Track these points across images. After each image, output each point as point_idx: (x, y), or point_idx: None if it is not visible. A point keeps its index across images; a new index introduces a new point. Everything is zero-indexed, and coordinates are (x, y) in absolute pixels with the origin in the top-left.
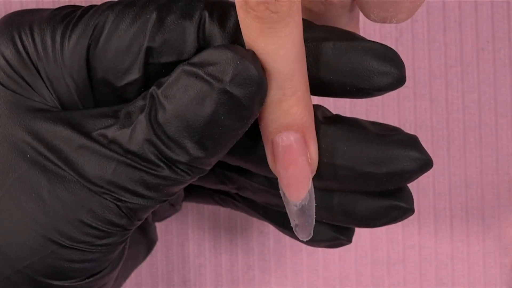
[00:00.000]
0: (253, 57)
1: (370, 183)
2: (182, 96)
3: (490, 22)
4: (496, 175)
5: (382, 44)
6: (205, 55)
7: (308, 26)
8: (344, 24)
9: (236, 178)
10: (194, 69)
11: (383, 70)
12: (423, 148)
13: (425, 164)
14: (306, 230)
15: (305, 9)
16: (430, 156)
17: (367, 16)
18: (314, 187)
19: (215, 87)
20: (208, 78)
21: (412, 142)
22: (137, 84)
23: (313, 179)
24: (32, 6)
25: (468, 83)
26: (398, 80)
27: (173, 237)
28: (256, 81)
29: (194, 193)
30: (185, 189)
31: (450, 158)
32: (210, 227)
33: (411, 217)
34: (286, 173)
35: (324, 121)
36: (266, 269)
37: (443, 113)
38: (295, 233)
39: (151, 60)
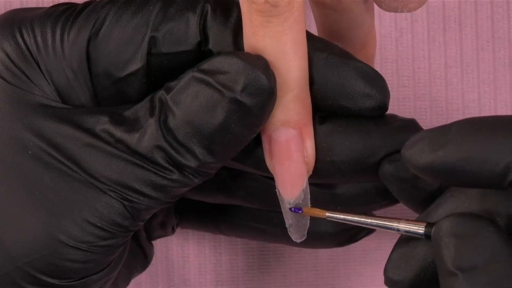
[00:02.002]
0: (265, 66)
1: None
2: (192, 103)
3: (490, 22)
4: None
5: (373, 69)
6: (215, 63)
7: (309, 35)
8: (358, 15)
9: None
10: (205, 77)
11: (368, 93)
12: (422, 129)
13: None
14: (299, 231)
15: (318, 3)
16: None
17: (378, 5)
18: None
19: (226, 96)
20: (219, 86)
21: (411, 125)
22: (139, 74)
23: (316, 178)
24: (32, 5)
25: (468, 83)
26: (380, 107)
27: (173, 237)
28: (267, 91)
29: (190, 219)
30: (181, 214)
31: None
32: None
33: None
34: (280, 169)
35: (320, 120)
36: (266, 269)
37: (443, 113)
38: (289, 233)
39: (154, 50)
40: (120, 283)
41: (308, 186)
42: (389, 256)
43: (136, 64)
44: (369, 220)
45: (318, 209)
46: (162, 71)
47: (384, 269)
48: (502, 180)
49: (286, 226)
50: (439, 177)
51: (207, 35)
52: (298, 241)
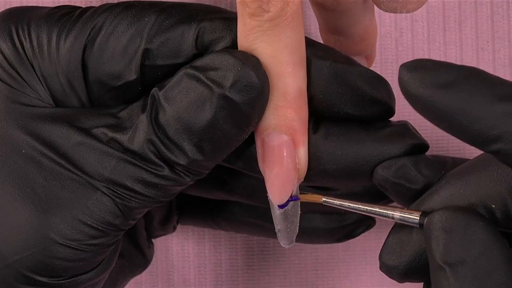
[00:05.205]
0: (256, 64)
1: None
2: (183, 99)
3: (490, 22)
4: None
5: (377, 73)
6: (207, 59)
7: (310, 43)
8: (357, 14)
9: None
10: (196, 73)
11: (375, 99)
12: (415, 133)
13: (422, 148)
14: (288, 237)
15: (317, 5)
16: (423, 140)
17: (378, 6)
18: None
19: (215, 92)
20: (208, 82)
21: (403, 131)
22: (133, 86)
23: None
24: (32, 5)
25: None
26: (387, 111)
27: (173, 237)
28: (256, 88)
29: (190, 215)
30: (181, 210)
31: None
32: None
33: None
34: (270, 173)
35: (313, 129)
36: (266, 269)
37: None
38: (278, 238)
39: (147, 62)
40: (120, 283)
41: (298, 192)
42: (385, 241)
43: (131, 76)
44: (365, 207)
45: (315, 195)
46: (157, 82)
47: (379, 255)
48: (488, 144)
49: (276, 231)
50: (427, 113)
51: (205, 49)
52: (287, 247)
